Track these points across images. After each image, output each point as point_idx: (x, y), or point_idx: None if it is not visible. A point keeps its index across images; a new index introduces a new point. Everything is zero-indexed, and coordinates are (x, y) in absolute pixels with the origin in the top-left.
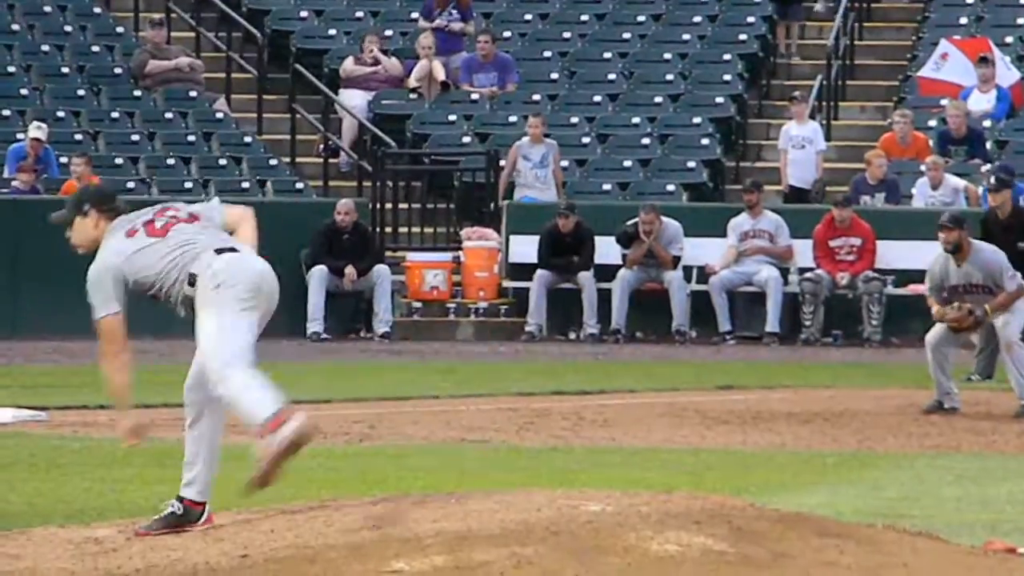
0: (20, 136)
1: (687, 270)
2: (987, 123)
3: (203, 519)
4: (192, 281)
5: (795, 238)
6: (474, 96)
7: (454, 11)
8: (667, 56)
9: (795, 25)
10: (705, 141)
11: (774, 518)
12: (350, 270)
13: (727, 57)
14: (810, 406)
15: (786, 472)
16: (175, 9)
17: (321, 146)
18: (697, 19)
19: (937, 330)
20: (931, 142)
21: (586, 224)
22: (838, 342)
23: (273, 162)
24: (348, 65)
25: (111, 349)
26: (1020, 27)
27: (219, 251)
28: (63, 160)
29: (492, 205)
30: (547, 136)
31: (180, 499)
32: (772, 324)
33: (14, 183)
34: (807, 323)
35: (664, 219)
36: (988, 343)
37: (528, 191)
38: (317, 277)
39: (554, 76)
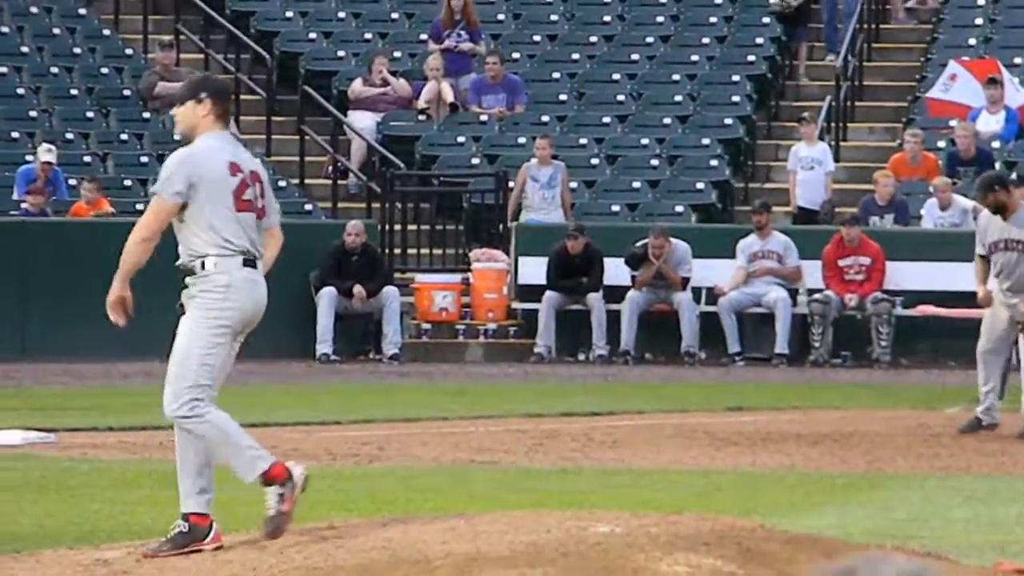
0: (29, 158)
1: (696, 291)
2: (996, 144)
3: (211, 536)
4: (203, 265)
5: (804, 259)
6: (483, 118)
7: (463, 32)
8: (676, 77)
9: (803, 46)
10: (714, 162)
11: (783, 539)
12: (359, 289)
13: (736, 78)
14: (819, 427)
15: (795, 493)
16: (184, 31)
17: (330, 168)
18: (706, 40)
19: (986, 337)
20: (940, 162)
21: (595, 245)
22: (847, 363)
23: (282, 184)
24: (357, 86)
25: (149, 230)
26: None
27: (246, 262)
28: (72, 182)
29: (501, 226)
30: (555, 157)
31: (184, 516)
32: (781, 345)
33: (23, 205)
34: (816, 344)
35: (673, 240)
36: (994, 372)
37: (534, 213)
38: (326, 299)
39: (563, 97)
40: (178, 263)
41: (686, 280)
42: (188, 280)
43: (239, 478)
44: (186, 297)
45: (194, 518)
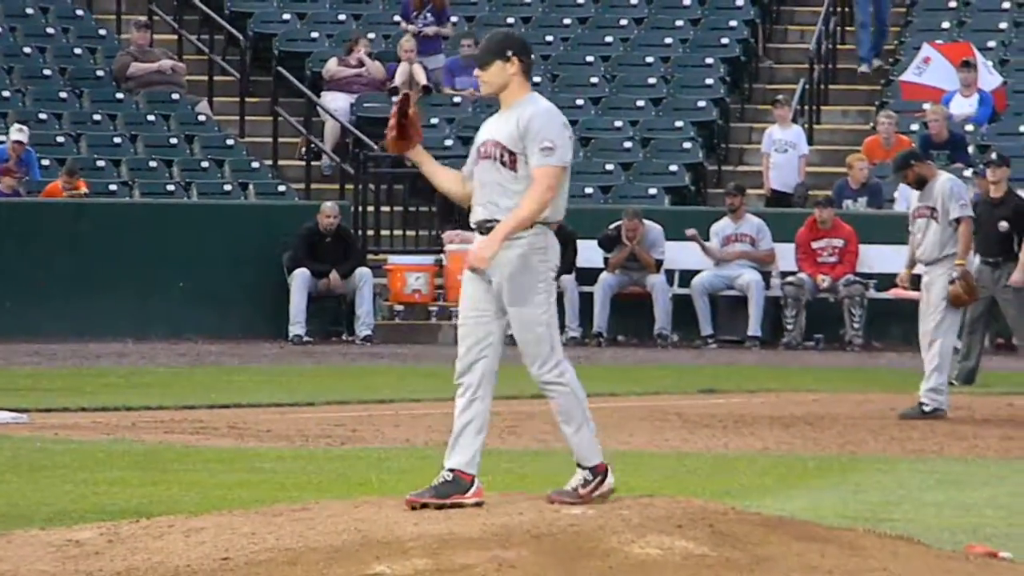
0: (1, 139)
1: (669, 274)
2: (969, 127)
3: (473, 490)
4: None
5: (777, 242)
6: (456, 99)
7: (429, 14)
8: (649, 60)
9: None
10: (687, 145)
11: (756, 522)
12: (334, 276)
13: (709, 61)
14: (792, 410)
15: (768, 476)
16: (158, 12)
17: (303, 149)
18: (679, 23)
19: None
20: (914, 145)
21: (568, 228)
22: (820, 346)
23: (255, 165)
24: (332, 66)
25: (549, 196)
26: (1002, 32)
27: (549, 224)
28: (45, 163)
29: None
30: None
31: (450, 470)
32: (754, 328)
33: None
34: (789, 327)
35: (646, 222)
36: (972, 350)
37: None
38: (299, 280)
39: (537, 79)
40: (482, 219)
41: (659, 262)
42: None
43: (570, 447)
44: (528, 277)
45: (459, 472)
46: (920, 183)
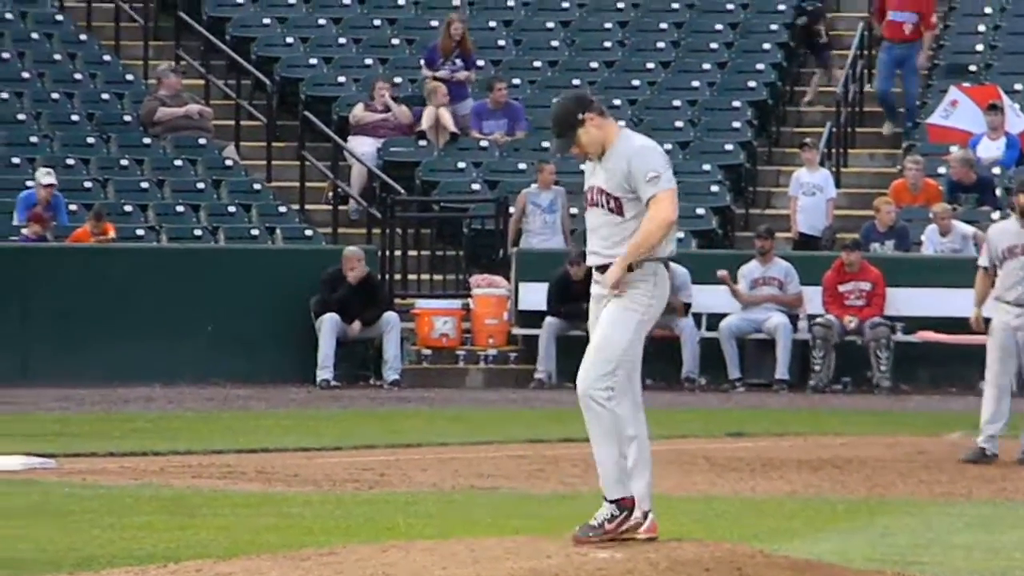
0: (29, 183)
1: (696, 317)
2: (996, 170)
3: (646, 526)
4: (638, 264)
5: (805, 285)
6: (483, 143)
7: (457, 60)
8: (676, 103)
9: (820, 71)
10: (715, 188)
11: (784, 565)
12: (356, 324)
13: (736, 104)
14: (820, 453)
15: (796, 519)
16: (185, 57)
17: (330, 193)
18: (706, 66)
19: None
20: (941, 188)
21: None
22: (847, 389)
23: (282, 209)
24: (358, 111)
25: (674, 214)
26: None
27: (662, 260)
28: (72, 208)
29: (501, 252)
30: (556, 183)
31: (612, 501)
32: (782, 371)
33: (24, 231)
34: (817, 369)
35: (672, 266)
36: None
37: (535, 238)
38: (328, 324)
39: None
40: (596, 264)
41: (687, 306)
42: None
43: (599, 480)
44: (601, 292)
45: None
46: None
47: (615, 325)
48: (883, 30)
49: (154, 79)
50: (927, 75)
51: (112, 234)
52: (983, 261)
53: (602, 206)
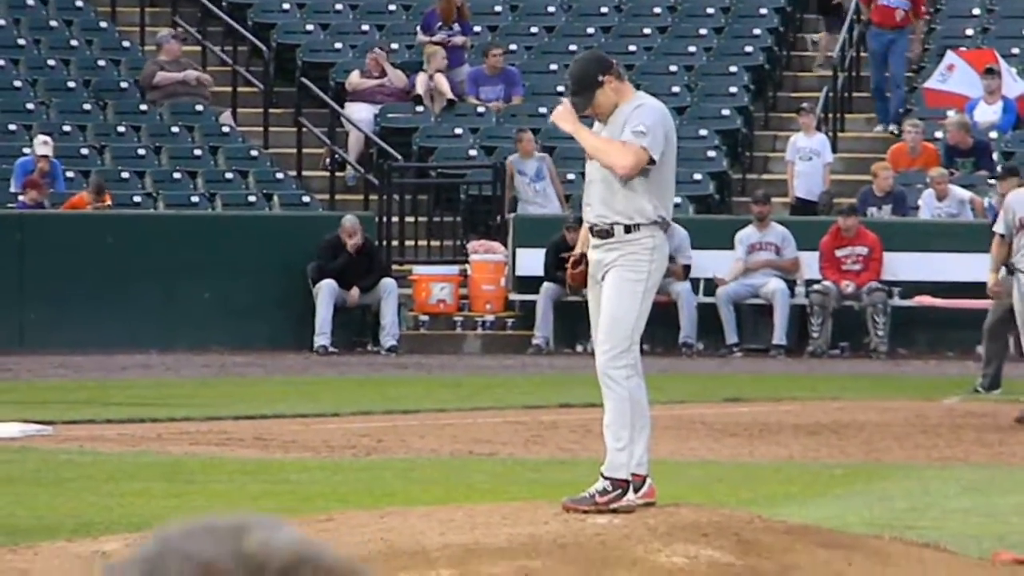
0: (26, 151)
1: (694, 282)
2: (993, 134)
3: (644, 491)
4: (628, 229)
5: (802, 250)
6: (480, 109)
7: (454, 25)
8: (673, 68)
9: (827, 35)
10: (712, 153)
11: (781, 530)
12: (354, 291)
13: (733, 69)
14: (817, 418)
15: (793, 484)
16: (181, 23)
17: (327, 160)
18: (703, 31)
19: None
20: (939, 153)
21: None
22: (845, 354)
23: (279, 176)
24: (355, 78)
25: (629, 169)
26: None
27: (662, 226)
28: (70, 175)
29: (499, 218)
30: (551, 150)
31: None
32: (779, 336)
33: (21, 198)
34: (815, 335)
35: (672, 225)
36: (995, 356)
37: (531, 206)
38: (325, 291)
39: (560, 89)
40: (592, 222)
41: (687, 267)
42: (605, 243)
43: (605, 453)
44: (598, 257)
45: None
46: None
47: (621, 300)
48: (872, 15)
49: (153, 45)
50: (923, 38)
51: (109, 202)
52: (1000, 227)
53: None
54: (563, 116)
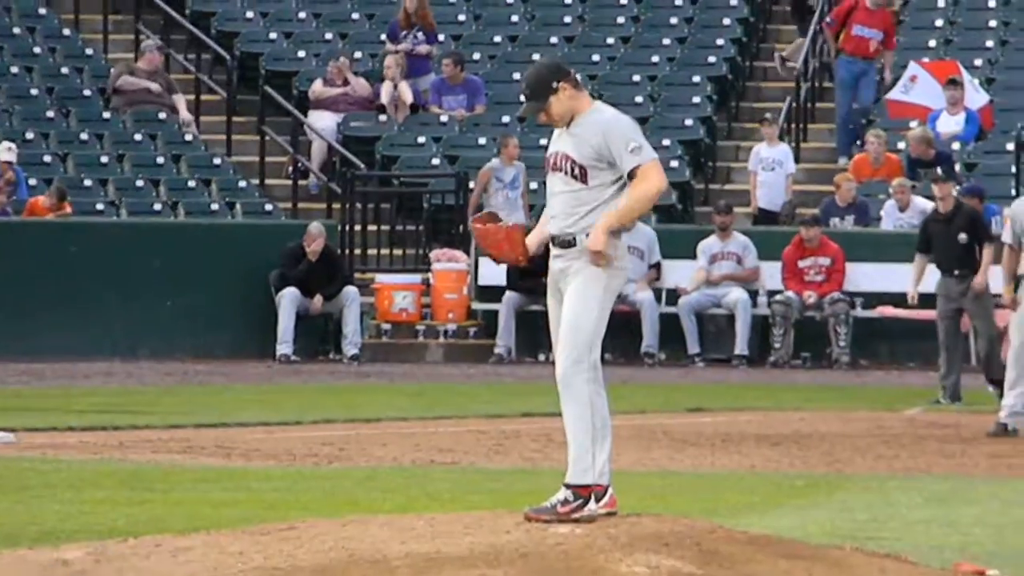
0: None
1: (656, 292)
2: (956, 145)
3: (606, 500)
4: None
5: (764, 260)
6: (443, 118)
7: (419, 34)
8: (636, 78)
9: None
10: (674, 163)
11: (743, 540)
12: (318, 299)
13: (696, 79)
14: (779, 428)
15: (755, 494)
16: (144, 31)
17: (290, 168)
18: (666, 41)
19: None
20: (903, 163)
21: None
22: (807, 364)
23: (242, 184)
24: (317, 87)
25: (663, 183)
26: (989, 50)
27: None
28: (32, 182)
29: (461, 227)
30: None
31: (571, 486)
32: (741, 346)
33: None
34: (777, 345)
35: (640, 226)
36: (952, 367)
37: (499, 213)
38: (287, 299)
39: (523, 98)
40: (555, 233)
41: (655, 265)
42: (566, 253)
43: (568, 464)
44: (560, 267)
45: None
46: None
47: (581, 305)
48: (843, 44)
49: (114, 53)
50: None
51: (69, 211)
52: (1007, 237)
53: (566, 172)
54: (599, 243)
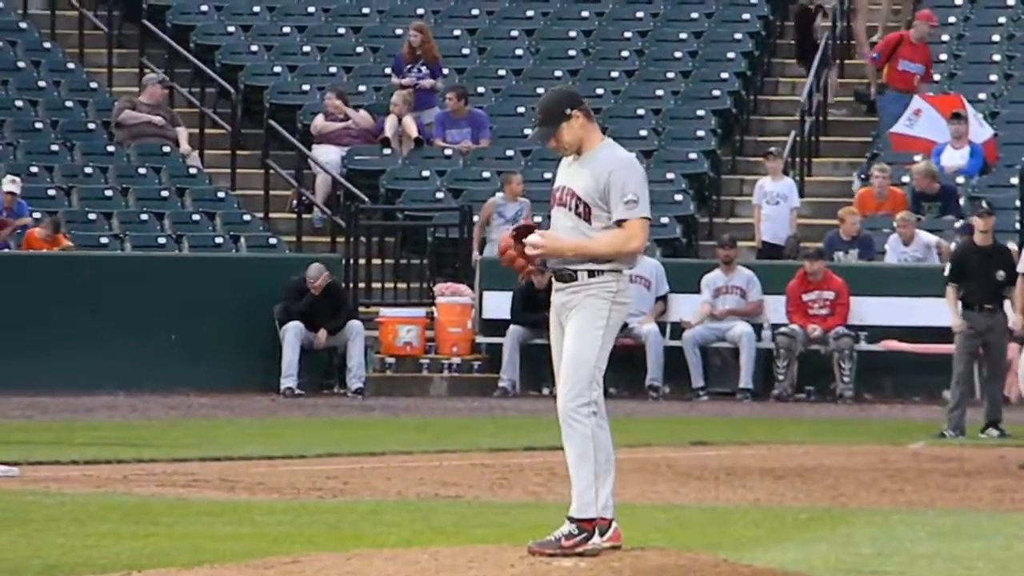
0: None
1: (661, 325)
2: (960, 179)
3: (610, 534)
4: (592, 273)
5: (768, 294)
6: (447, 152)
7: (423, 68)
8: (640, 112)
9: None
10: (679, 197)
11: (747, 574)
12: (322, 333)
13: (700, 113)
14: (783, 462)
15: (759, 528)
16: (149, 64)
17: (294, 201)
18: (671, 75)
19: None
20: (907, 197)
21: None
22: (811, 398)
23: (247, 217)
24: (319, 121)
25: (638, 246)
26: (993, 84)
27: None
28: (36, 215)
29: (466, 261)
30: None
31: (575, 520)
32: (745, 380)
33: None
34: (781, 378)
35: (644, 259)
36: (963, 399)
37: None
38: (291, 332)
39: (528, 132)
40: (556, 267)
41: (663, 298)
42: (568, 287)
43: (571, 498)
44: (561, 301)
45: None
46: None
47: (582, 339)
48: (888, 78)
49: (119, 87)
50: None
51: (67, 243)
52: (1021, 267)
53: (571, 208)
54: (545, 247)
